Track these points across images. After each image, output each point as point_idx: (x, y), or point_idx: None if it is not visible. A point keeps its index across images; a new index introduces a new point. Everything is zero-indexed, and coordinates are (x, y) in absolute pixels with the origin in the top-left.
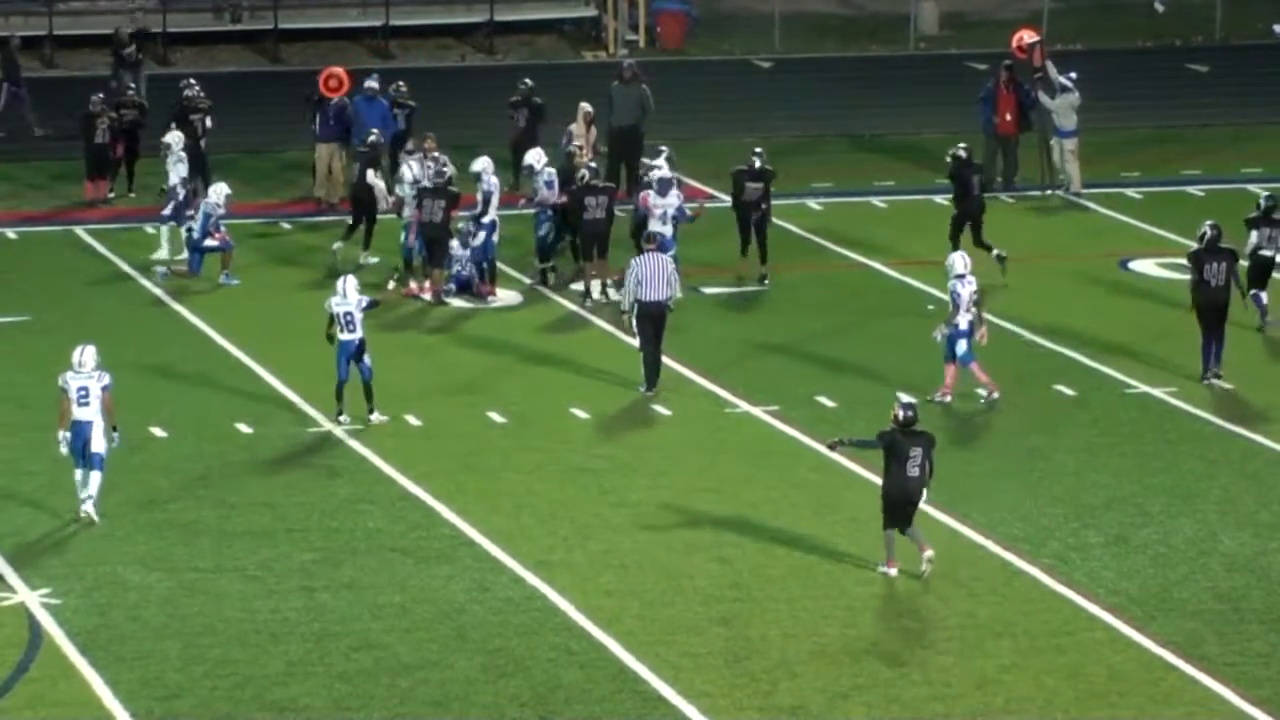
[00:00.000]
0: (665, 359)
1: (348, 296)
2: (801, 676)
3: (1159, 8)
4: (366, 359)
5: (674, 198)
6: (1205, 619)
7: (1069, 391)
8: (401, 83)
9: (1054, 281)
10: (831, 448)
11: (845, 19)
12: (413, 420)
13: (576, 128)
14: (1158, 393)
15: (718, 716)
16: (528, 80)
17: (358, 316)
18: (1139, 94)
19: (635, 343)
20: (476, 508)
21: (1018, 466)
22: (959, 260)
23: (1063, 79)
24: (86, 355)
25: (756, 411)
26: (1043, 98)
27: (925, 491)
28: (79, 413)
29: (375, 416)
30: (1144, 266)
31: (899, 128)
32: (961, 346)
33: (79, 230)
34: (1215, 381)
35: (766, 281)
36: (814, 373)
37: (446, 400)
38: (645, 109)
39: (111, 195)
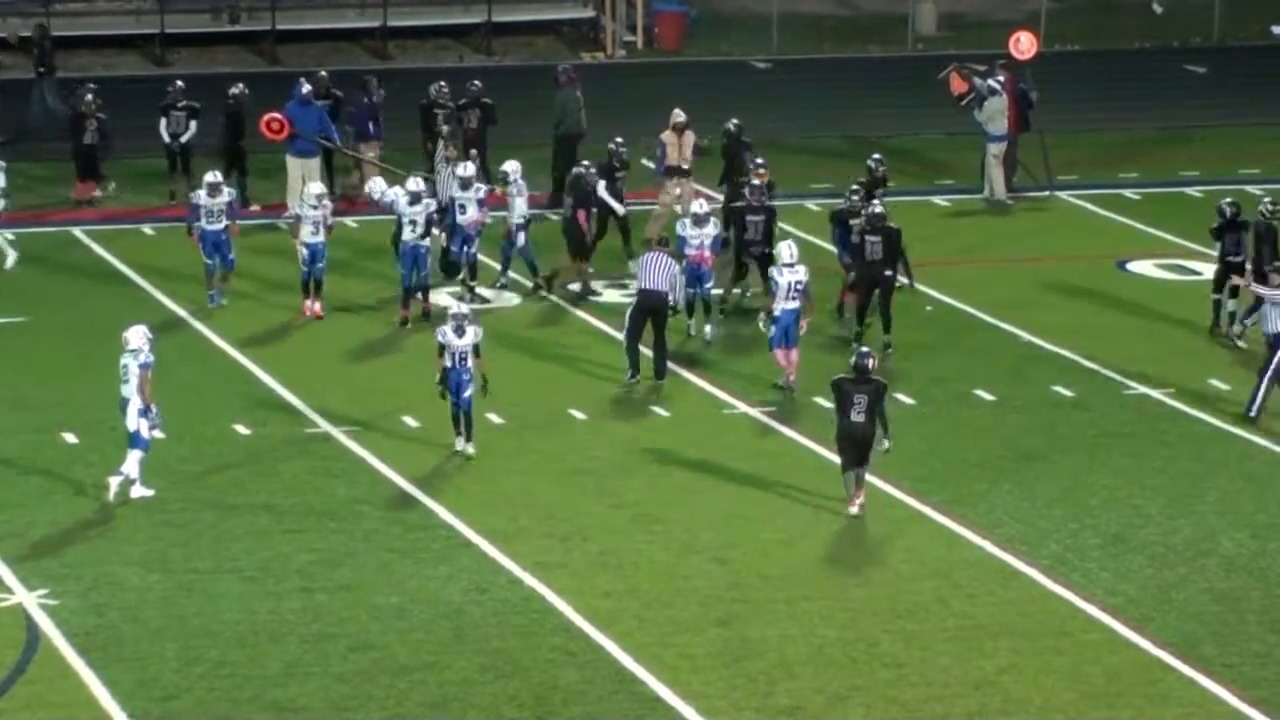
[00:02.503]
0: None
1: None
2: (800, 677)
3: (1158, 8)
4: (467, 392)
5: (712, 227)
6: (1203, 620)
7: (1068, 392)
8: (443, 83)
9: (1054, 281)
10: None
11: (843, 19)
12: (412, 421)
13: (668, 136)
14: (1156, 393)
15: (716, 717)
16: (476, 81)
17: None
18: (1138, 94)
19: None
20: (475, 508)
21: (1017, 466)
22: (785, 250)
23: (990, 82)
24: (131, 333)
25: (756, 412)
26: (975, 114)
27: (885, 440)
28: (122, 390)
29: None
30: (1142, 267)
31: (897, 129)
32: (771, 330)
33: (77, 230)
34: (1236, 339)
35: (890, 350)
36: (813, 373)
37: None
38: (568, 112)
39: (98, 194)
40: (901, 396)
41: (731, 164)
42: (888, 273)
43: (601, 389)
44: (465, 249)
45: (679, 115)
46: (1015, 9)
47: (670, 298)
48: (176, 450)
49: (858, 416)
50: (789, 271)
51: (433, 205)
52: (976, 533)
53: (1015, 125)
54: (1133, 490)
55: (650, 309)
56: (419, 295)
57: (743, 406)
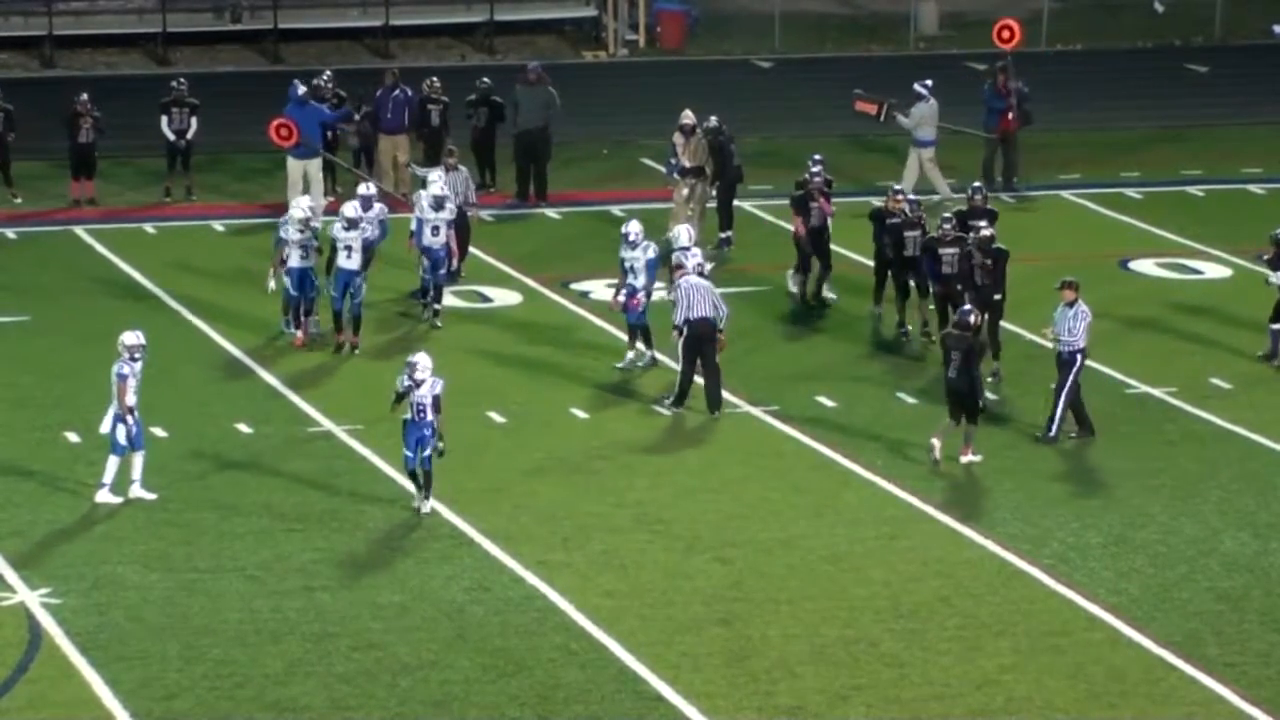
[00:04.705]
0: (665, 358)
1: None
2: (801, 676)
3: (1159, 8)
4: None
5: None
6: (1205, 619)
7: None
8: (435, 78)
9: (1054, 281)
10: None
11: (845, 19)
12: None
13: (677, 137)
14: (1158, 393)
15: (717, 716)
16: (486, 79)
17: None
18: (1139, 94)
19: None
20: (476, 508)
21: (1018, 466)
22: (684, 233)
23: (918, 87)
24: (120, 338)
25: (756, 411)
26: (900, 119)
27: (979, 399)
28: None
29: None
30: (1144, 266)
31: (898, 128)
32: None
33: (78, 230)
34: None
35: (999, 379)
36: (814, 373)
37: (446, 400)
38: (552, 109)
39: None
40: (904, 396)
41: (720, 158)
42: (997, 296)
43: (603, 389)
44: (436, 274)
45: (687, 116)
46: (1017, 8)
47: (719, 320)
48: (178, 449)
49: (952, 372)
50: (691, 256)
51: (369, 231)
52: (978, 532)
53: (1016, 121)
54: (1134, 489)
55: (702, 338)
56: (351, 327)
57: (745, 406)
